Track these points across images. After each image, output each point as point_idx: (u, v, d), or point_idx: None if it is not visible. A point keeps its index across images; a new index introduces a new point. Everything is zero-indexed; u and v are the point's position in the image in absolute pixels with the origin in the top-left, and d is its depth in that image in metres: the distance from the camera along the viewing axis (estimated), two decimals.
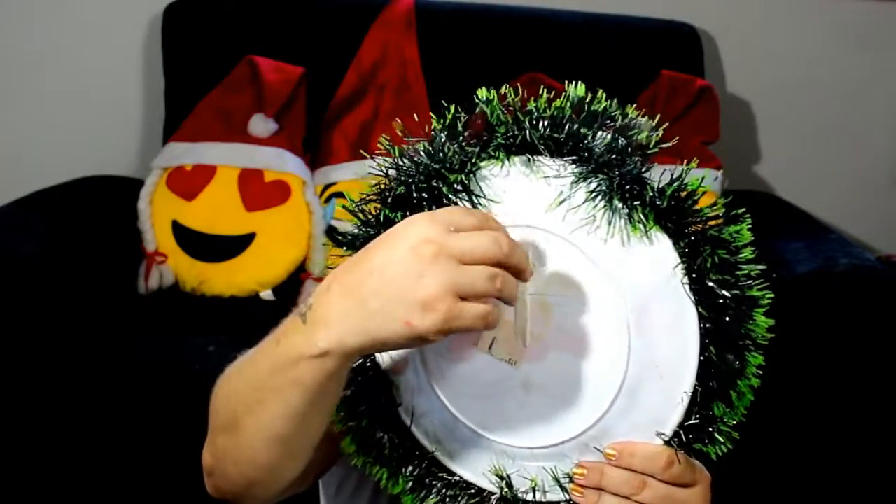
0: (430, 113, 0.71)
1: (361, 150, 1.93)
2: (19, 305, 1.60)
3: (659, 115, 0.71)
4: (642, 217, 0.65)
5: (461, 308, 0.60)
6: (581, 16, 2.13)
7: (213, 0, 2.09)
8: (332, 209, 1.95)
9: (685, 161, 0.68)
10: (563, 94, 0.70)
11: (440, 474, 0.72)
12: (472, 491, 0.72)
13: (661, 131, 0.69)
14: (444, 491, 0.72)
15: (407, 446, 0.72)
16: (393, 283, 0.60)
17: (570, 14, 2.13)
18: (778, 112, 2.34)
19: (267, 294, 1.88)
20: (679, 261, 0.66)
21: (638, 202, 0.65)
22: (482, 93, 0.70)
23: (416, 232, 0.61)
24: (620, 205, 0.66)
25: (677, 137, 0.72)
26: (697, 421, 0.67)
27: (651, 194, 0.65)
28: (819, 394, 1.68)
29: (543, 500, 0.70)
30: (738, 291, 0.65)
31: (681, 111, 2.02)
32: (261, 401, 0.68)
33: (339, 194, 1.96)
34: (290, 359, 0.65)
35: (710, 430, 0.67)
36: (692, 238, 0.66)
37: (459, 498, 0.72)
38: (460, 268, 0.60)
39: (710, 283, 0.65)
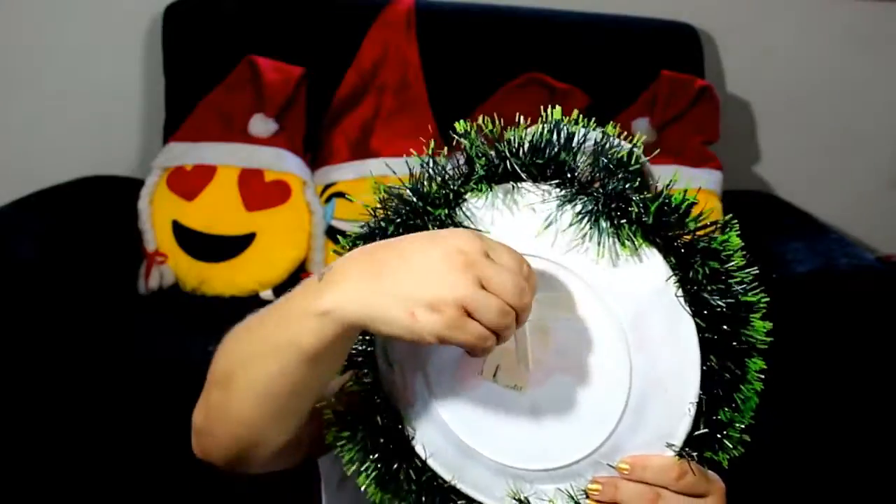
0: (414, 146, 0.72)
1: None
2: (19, 305, 1.60)
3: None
4: (630, 234, 0.66)
5: (464, 322, 0.62)
6: (581, 16, 2.13)
7: (213, 0, 2.09)
8: (332, 209, 1.95)
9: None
10: (540, 118, 0.71)
11: (460, 502, 0.73)
12: None
13: (640, 147, 0.69)
14: None
15: (424, 478, 0.73)
16: (413, 274, 0.63)
17: (570, 14, 2.13)
18: (778, 112, 2.34)
19: (267, 294, 1.88)
20: (671, 274, 0.66)
21: (624, 220, 0.66)
22: (459, 126, 0.71)
23: (455, 241, 0.63)
24: (607, 224, 0.66)
25: (658, 150, 0.72)
26: (705, 430, 0.67)
27: (637, 210, 0.66)
28: (819, 394, 1.68)
29: None
30: (732, 299, 0.66)
31: (681, 111, 2.02)
32: (258, 356, 0.70)
33: (340, 194, 1.96)
34: (293, 313, 0.67)
35: (719, 437, 0.67)
36: (682, 251, 0.66)
37: None
38: (479, 289, 0.62)
39: (705, 294, 0.65)
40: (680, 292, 0.66)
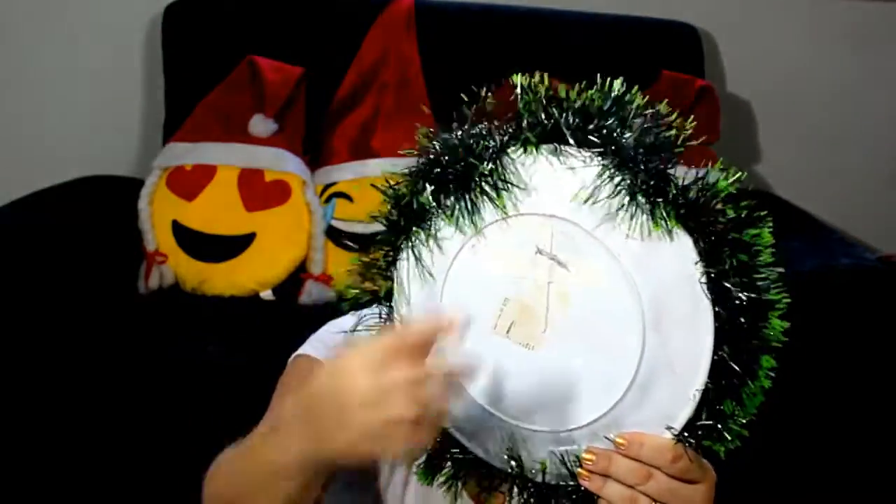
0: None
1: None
2: (19, 305, 1.60)
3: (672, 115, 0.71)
4: (664, 214, 0.65)
5: (385, 448, 0.65)
6: (581, 16, 2.13)
7: (213, 0, 2.09)
8: (332, 209, 1.95)
9: (708, 162, 0.68)
10: (595, 85, 0.71)
11: (453, 450, 0.74)
12: (484, 470, 0.73)
13: (689, 128, 0.69)
14: (456, 467, 0.74)
15: None
16: (339, 436, 0.65)
17: (570, 14, 2.13)
18: (778, 112, 2.34)
19: (267, 294, 1.88)
20: (698, 260, 0.66)
21: (661, 199, 0.65)
22: (516, 78, 0.72)
23: (342, 386, 0.65)
24: (643, 200, 0.66)
25: (704, 137, 0.72)
26: (707, 419, 0.67)
27: (674, 192, 0.65)
28: (819, 393, 1.68)
29: (552, 482, 0.71)
30: (755, 294, 0.65)
31: (681, 111, 2.02)
32: (252, 495, 0.72)
33: (340, 194, 1.96)
34: (266, 472, 0.71)
35: (720, 427, 0.67)
36: (713, 238, 0.66)
37: (471, 475, 0.74)
38: (377, 410, 0.63)
39: (728, 285, 0.65)
40: (704, 279, 0.66)
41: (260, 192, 1.92)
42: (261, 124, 1.97)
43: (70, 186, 1.96)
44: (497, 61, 2.06)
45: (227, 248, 1.89)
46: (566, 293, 0.68)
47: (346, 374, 0.65)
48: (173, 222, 1.90)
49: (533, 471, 0.72)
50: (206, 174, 1.93)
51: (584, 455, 0.69)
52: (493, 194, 0.69)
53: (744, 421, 0.68)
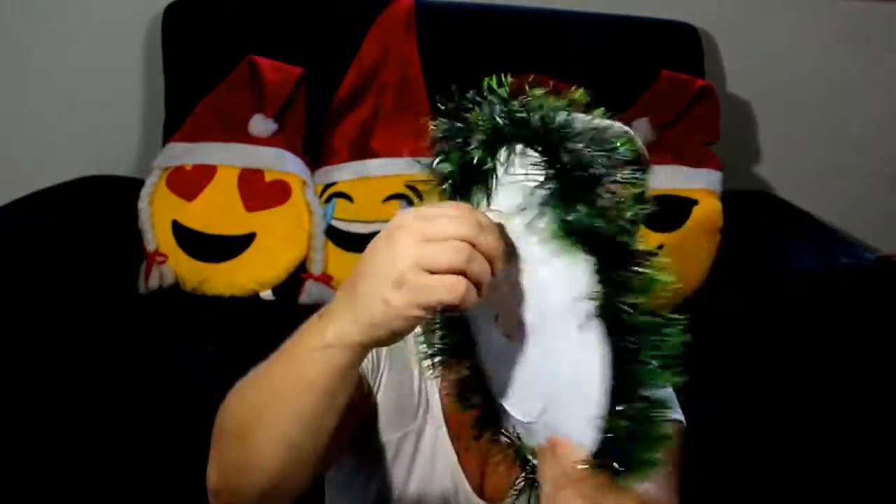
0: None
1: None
2: (19, 305, 1.60)
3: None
4: (570, 231, 0.65)
5: (428, 280, 0.63)
6: (581, 16, 2.13)
7: (213, 0, 2.09)
8: (332, 209, 1.95)
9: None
10: (553, 95, 0.71)
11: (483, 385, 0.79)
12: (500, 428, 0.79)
13: (640, 143, 0.70)
14: (480, 402, 0.80)
15: (476, 381, 0.79)
16: (372, 269, 0.65)
17: (570, 14, 2.13)
18: (778, 112, 2.34)
19: (267, 294, 1.88)
20: (595, 284, 0.65)
21: (573, 216, 0.65)
22: (494, 81, 0.75)
23: (392, 222, 0.66)
24: (559, 212, 0.66)
25: (650, 160, 0.72)
26: (609, 439, 0.66)
27: (587, 212, 0.64)
28: (819, 393, 1.68)
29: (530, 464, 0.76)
30: (645, 327, 0.64)
31: (681, 111, 2.02)
32: (270, 404, 0.71)
33: (340, 194, 1.96)
34: (300, 354, 0.69)
35: (624, 450, 0.66)
36: (613, 269, 0.65)
37: (490, 426, 0.79)
38: (426, 244, 0.63)
39: (621, 315, 0.64)
40: (598, 303, 0.65)
41: (260, 192, 1.92)
42: (261, 124, 1.97)
43: (70, 186, 1.96)
44: (497, 61, 2.06)
45: (227, 248, 1.89)
46: (523, 291, 0.70)
47: (396, 224, 0.65)
48: (173, 222, 1.90)
49: (525, 449, 0.76)
50: (206, 174, 1.93)
51: (539, 447, 0.72)
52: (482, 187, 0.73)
53: (648, 456, 0.65)
